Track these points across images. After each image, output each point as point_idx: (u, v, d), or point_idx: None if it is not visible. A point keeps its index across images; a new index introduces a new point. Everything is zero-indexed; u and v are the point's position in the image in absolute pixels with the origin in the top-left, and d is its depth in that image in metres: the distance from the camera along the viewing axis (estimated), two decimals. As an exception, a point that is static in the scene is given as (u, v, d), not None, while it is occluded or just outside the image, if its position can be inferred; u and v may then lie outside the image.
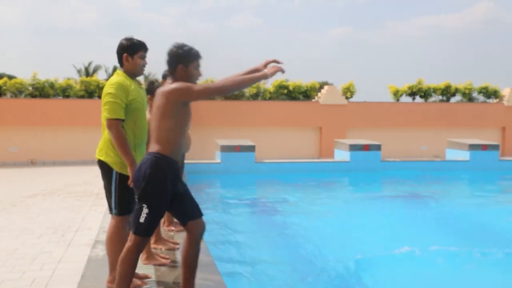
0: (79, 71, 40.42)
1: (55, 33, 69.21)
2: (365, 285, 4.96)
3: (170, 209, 3.60)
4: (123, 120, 3.81)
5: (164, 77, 5.67)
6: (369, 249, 6.06)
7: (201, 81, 15.51)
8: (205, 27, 75.39)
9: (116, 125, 3.76)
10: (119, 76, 3.92)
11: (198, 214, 3.60)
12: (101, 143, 3.95)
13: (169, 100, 3.34)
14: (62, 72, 68.60)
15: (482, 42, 73.04)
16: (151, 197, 3.38)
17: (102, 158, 3.91)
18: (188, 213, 3.57)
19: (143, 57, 3.99)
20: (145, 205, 3.38)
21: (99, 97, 16.18)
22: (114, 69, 40.95)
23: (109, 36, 71.14)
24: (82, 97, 16.11)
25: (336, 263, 5.51)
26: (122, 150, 3.76)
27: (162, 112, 3.37)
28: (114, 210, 3.93)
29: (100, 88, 16.09)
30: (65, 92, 16.01)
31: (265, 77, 3.47)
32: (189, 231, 3.58)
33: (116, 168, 3.86)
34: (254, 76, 3.47)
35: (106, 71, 41.61)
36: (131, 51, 3.93)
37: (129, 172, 3.78)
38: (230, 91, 3.46)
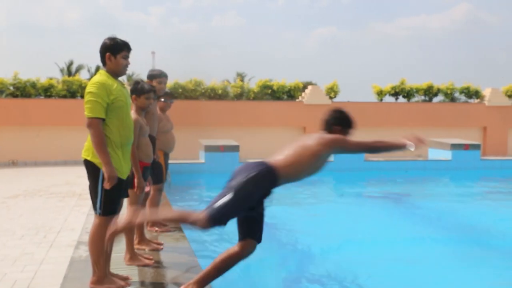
0: (61, 70, 40.03)
1: (36, 32, 68.49)
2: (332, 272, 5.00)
3: (241, 218, 3.73)
4: (103, 120, 3.79)
5: (150, 77, 5.67)
6: (348, 247, 6.10)
7: (185, 81, 15.32)
8: (189, 27, 75.18)
9: (96, 124, 3.75)
10: (102, 76, 3.90)
11: (259, 238, 3.78)
12: (87, 143, 3.91)
13: (329, 147, 3.77)
14: (44, 71, 67.97)
15: (463, 43, 73.95)
16: (243, 190, 3.48)
17: (88, 158, 3.88)
18: (252, 232, 3.74)
19: (126, 57, 3.98)
20: (232, 193, 3.47)
21: (82, 97, 16.05)
22: (97, 68, 40.65)
23: (92, 36, 70.60)
24: (64, 97, 15.95)
25: (315, 257, 5.55)
26: (99, 148, 3.74)
27: (314, 151, 3.70)
28: (98, 210, 3.90)
29: (82, 88, 15.95)
30: (47, 92, 15.84)
31: (407, 146, 3.86)
32: (242, 246, 3.73)
33: (103, 168, 3.83)
34: (399, 143, 3.89)
35: (88, 70, 41.29)
36: (114, 51, 3.91)
37: (104, 171, 3.76)
38: (378, 151, 4.00)
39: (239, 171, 3.66)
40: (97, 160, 3.82)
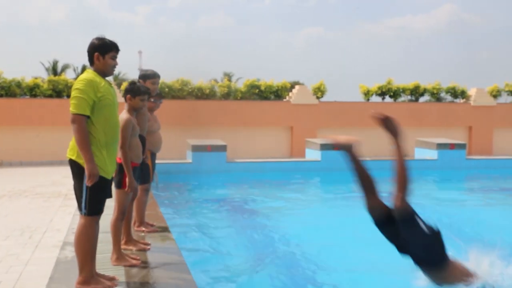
0: (47, 70, 39.70)
1: (22, 31, 67.83)
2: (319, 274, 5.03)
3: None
4: (88, 117, 3.77)
5: (143, 77, 5.66)
6: (333, 245, 6.13)
7: (172, 81, 15.33)
8: (176, 26, 74.97)
9: (80, 121, 3.72)
10: (89, 74, 3.90)
11: None
12: (72, 142, 3.89)
13: None
14: (29, 71, 67.31)
15: (448, 43, 74.57)
16: None
17: (73, 158, 3.85)
18: None
19: (114, 58, 3.99)
20: None
21: (68, 96, 15.94)
22: (83, 68, 40.35)
23: (78, 35, 70.09)
24: (50, 96, 15.82)
25: (305, 259, 5.56)
26: (82, 145, 3.71)
27: None
28: (83, 210, 3.88)
29: (68, 87, 15.85)
30: (32, 91, 15.71)
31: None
32: None
33: (85, 166, 3.81)
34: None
35: (74, 70, 40.96)
36: (102, 51, 3.92)
37: (86, 169, 3.73)
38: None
39: None
40: (81, 160, 3.79)
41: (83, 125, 3.74)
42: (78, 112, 3.73)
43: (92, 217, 3.90)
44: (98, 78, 3.89)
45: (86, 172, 3.73)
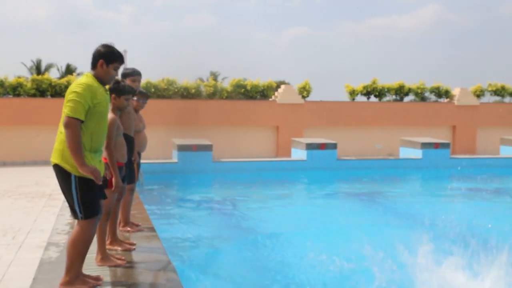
0: (30, 69, 39.29)
1: (3, 30, 67.03)
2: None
3: None
4: (82, 122, 3.72)
5: (123, 75, 5.61)
6: (320, 244, 6.14)
7: (158, 80, 15.28)
8: (161, 25, 74.61)
9: (74, 125, 3.66)
10: (88, 78, 3.87)
11: None
12: (57, 145, 3.81)
13: None
14: (11, 70, 66.59)
15: (432, 43, 75.18)
16: None
17: (58, 162, 3.79)
18: None
19: (116, 69, 4.02)
20: None
21: (52, 96, 15.80)
22: (67, 67, 40.05)
23: (61, 34, 69.42)
24: (33, 95, 15.65)
25: (294, 258, 5.57)
26: (74, 149, 3.65)
27: None
28: (79, 215, 3.82)
29: (52, 86, 15.69)
30: (15, 90, 15.52)
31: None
32: None
33: (74, 172, 3.75)
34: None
35: (58, 69, 40.59)
36: (108, 60, 3.93)
37: (83, 172, 3.69)
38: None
39: None
40: (67, 165, 3.74)
41: (78, 129, 3.68)
42: (75, 116, 3.67)
43: (89, 220, 3.85)
44: (96, 84, 3.87)
45: (87, 174, 3.70)
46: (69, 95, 3.73)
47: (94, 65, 3.94)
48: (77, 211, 3.83)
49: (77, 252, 3.85)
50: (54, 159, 3.81)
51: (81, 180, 3.78)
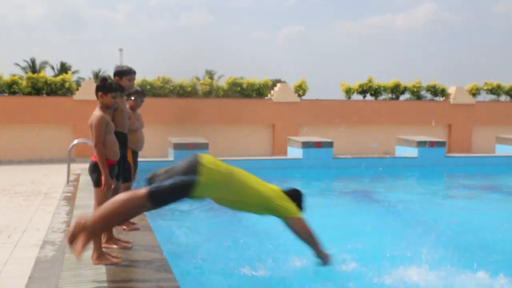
0: (24, 68, 39.17)
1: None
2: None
3: None
4: None
5: (118, 74, 5.59)
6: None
7: (153, 79, 15.18)
8: (157, 24, 74.52)
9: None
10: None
11: None
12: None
13: None
14: (5, 69, 66.33)
15: (428, 42, 75.38)
16: None
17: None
18: None
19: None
20: None
21: (47, 94, 15.76)
22: (62, 65, 39.98)
23: (56, 33, 69.24)
24: (29, 94, 15.61)
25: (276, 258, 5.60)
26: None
27: None
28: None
29: (48, 84, 15.65)
30: (10, 88, 15.47)
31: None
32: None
33: None
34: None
35: (53, 68, 40.50)
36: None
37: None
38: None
39: None
40: None
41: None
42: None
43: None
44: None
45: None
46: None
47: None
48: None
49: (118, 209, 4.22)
50: None
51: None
